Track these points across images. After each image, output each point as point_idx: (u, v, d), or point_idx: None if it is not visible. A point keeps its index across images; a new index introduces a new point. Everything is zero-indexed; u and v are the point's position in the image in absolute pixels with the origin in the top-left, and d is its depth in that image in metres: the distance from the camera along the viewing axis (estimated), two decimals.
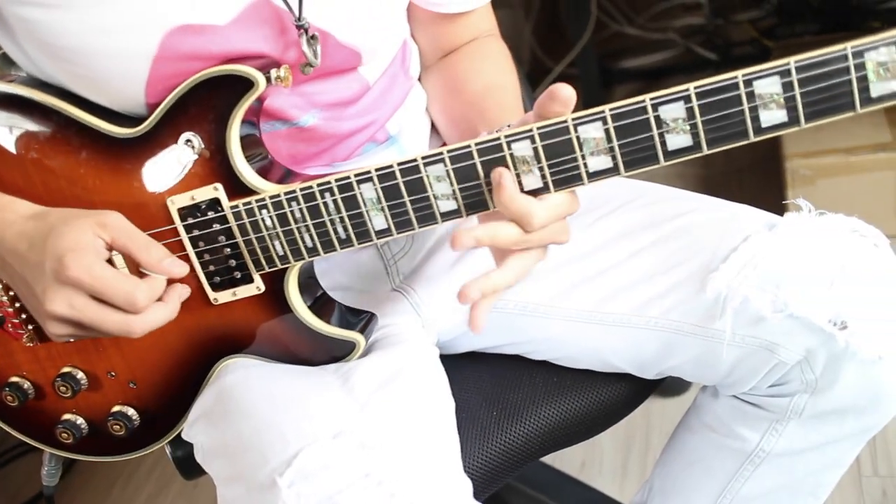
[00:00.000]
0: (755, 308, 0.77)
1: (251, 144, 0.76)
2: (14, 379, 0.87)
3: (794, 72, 0.62)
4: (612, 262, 0.86)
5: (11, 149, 0.78)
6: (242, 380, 0.78)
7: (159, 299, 0.73)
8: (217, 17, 0.72)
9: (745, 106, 0.63)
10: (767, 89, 0.62)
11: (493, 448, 0.87)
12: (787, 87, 0.62)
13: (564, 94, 0.64)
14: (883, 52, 0.60)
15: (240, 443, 0.74)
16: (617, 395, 0.91)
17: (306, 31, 0.74)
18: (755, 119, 0.63)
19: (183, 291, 0.76)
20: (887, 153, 1.64)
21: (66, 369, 0.85)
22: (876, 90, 0.61)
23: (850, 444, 0.85)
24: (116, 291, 0.70)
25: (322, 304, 0.81)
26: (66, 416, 0.87)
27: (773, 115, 0.63)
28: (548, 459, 1.41)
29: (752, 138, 0.64)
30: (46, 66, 0.76)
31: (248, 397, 0.76)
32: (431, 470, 0.71)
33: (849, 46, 0.60)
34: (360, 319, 0.81)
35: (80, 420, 0.87)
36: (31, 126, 0.78)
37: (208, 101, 0.73)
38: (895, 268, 0.78)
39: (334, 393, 0.74)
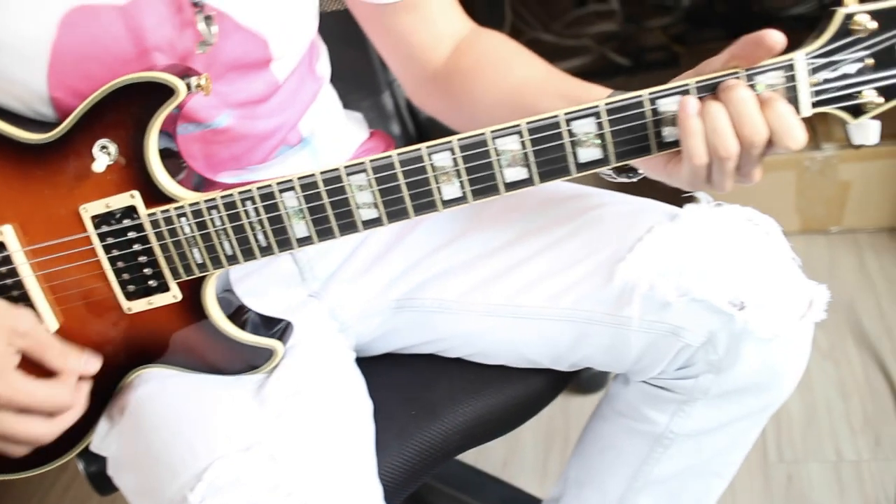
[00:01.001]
0: (660, 294, 0.80)
1: (169, 151, 0.74)
2: None
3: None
4: (523, 257, 0.88)
5: None
6: (155, 391, 0.77)
7: None
8: None
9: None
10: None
11: (412, 447, 0.88)
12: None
13: (775, 39, 0.63)
14: (771, 76, 0.65)
15: (150, 456, 0.73)
16: (532, 389, 0.93)
17: (201, 8, 0.72)
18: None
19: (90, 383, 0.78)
20: (788, 153, 1.64)
21: None
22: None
23: (751, 423, 0.91)
24: (45, 402, 0.74)
25: (238, 312, 0.80)
26: None
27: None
28: (470, 459, 1.44)
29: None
30: None
31: (160, 410, 0.75)
32: (341, 478, 0.72)
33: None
34: (276, 327, 0.80)
35: None
36: None
37: (126, 108, 0.71)
38: (785, 253, 0.84)
39: (246, 404, 0.74)
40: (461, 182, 0.70)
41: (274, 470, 0.68)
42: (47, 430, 0.74)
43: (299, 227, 0.72)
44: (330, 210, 0.72)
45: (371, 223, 0.72)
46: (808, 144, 1.08)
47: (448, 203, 0.71)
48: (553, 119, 0.68)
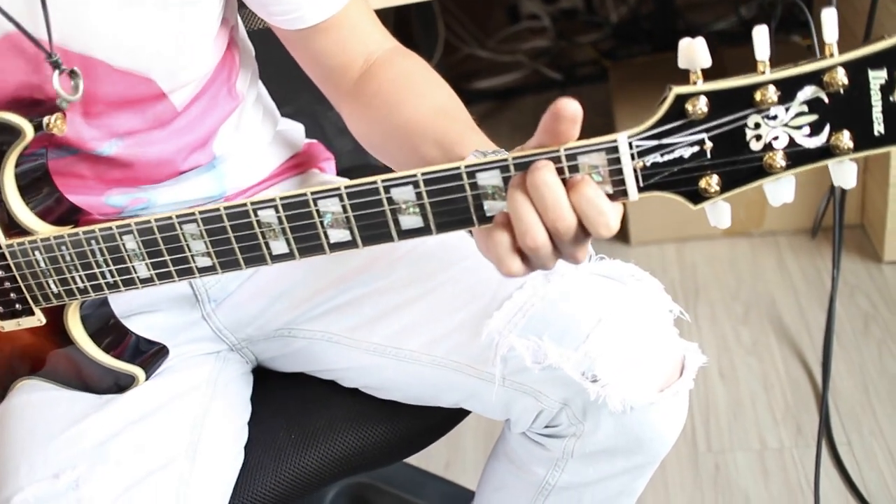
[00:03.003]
0: (519, 357, 0.76)
1: (35, 182, 0.74)
2: None
3: (511, 167, 0.59)
4: (407, 298, 0.85)
5: None
6: (20, 404, 0.78)
7: None
8: None
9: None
10: (491, 181, 0.60)
11: (286, 471, 0.87)
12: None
13: (571, 110, 0.55)
14: (594, 157, 0.57)
15: None
16: (412, 428, 0.91)
17: (59, 65, 0.70)
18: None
19: None
20: None
21: None
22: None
23: (630, 478, 0.86)
24: None
25: (110, 332, 0.80)
26: None
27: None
28: (412, 460, 1.41)
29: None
30: None
31: (13, 425, 0.76)
32: None
33: (562, 149, 0.57)
34: (147, 352, 0.79)
35: None
36: None
37: None
38: (661, 315, 0.78)
39: (79, 427, 0.73)
40: (287, 239, 0.66)
41: (73, 499, 0.67)
42: None
43: (141, 269, 0.71)
44: (167, 255, 0.70)
45: (206, 270, 0.70)
46: None
47: (276, 258, 0.67)
48: (372, 185, 0.62)
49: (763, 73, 0.55)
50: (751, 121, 0.56)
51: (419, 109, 0.78)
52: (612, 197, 0.59)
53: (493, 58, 2.53)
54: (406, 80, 0.82)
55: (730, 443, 1.45)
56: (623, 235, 1.91)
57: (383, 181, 0.62)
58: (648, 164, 0.58)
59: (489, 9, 2.60)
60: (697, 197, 0.59)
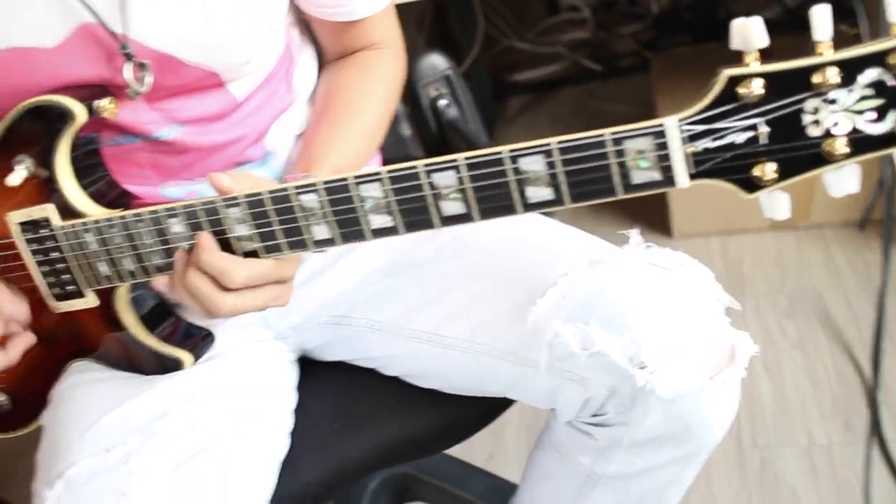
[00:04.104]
0: (565, 344, 0.73)
1: (89, 166, 0.73)
2: None
3: (556, 153, 0.56)
4: (450, 287, 0.83)
5: None
6: (73, 384, 0.78)
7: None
8: (44, 41, 0.69)
9: (511, 177, 0.58)
10: (532, 167, 0.57)
11: (330, 459, 0.85)
12: (551, 166, 0.56)
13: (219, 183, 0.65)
14: (641, 142, 0.54)
15: (45, 445, 0.73)
16: (454, 418, 0.89)
17: (131, 57, 0.70)
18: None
19: (28, 339, 0.77)
20: None
21: None
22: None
23: (679, 468, 0.82)
24: None
25: (159, 316, 0.79)
26: None
27: (539, 192, 0.57)
28: (455, 451, 1.39)
29: (520, 212, 0.59)
30: None
31: (67, 403, 0.76)
32: (199, 490, 0.69)
33: (608, 133, 0.54)
34: (195, 337, 0.79)
35: None
36: None
37: (38, 128, 0.71)
38: (709, 302, 0.75)
39: (130, 405, 0.72)
40: (328, 224, 0.64)
41: (124, 472, 0.66)
42: None
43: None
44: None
45: (249, 255, 0.68)
46: None
47: (318, 243, 0.66)
48: (413, 170, 0.60)
49: (821, 54, 0.51)
50: (809, 105, 0.52)
51: (319, 125, 0.83)
52: (660, 184, 0.56)
53: (532, 50, 2.46)
54: (340, 94, 0.86)
55: (776, 438, 1.40)
56: (665, 227, 1.86)
57: (425, 166, 0.60)
58: (699, 149, 0.54)
59: (528, 0, 2.54)
60: (751, 185, 0.55)
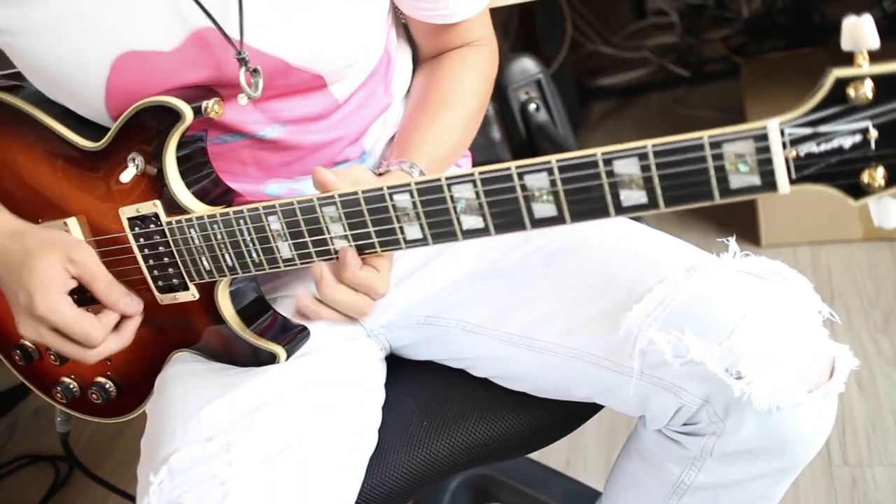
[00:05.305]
0: (658, 351, 0.71)
1: (195, 164, 0.75)
2: (22, 341, 0.91)
3: (651, 155, 0.54)
4: (540, 289, 0.81)
5: (1, 152, 0.80)
6: (175, 374, 0.80)
7: (117, 326, 0.77)
8: (161, 45, 0.71)
9: (605, 179, 0.56)
10: (626, 170, 0.55)
11: (418, 457, 0.84)
12: (645, 169, 0.54)
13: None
14: (740, 145, 0.52)
15: (149, 434, 0.74)
16: (546, 419, 0.86)
17: (246, 63, 0.71)
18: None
19: (137, 321, 0.79)
20: None
21: None
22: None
23: (771, 482, 0.78)
24: (76, 331, 0.74)
25: (256, 311, 0.80)
26: (64, 379, 0.91)
27: (632, 195, 0.56)
28: (533, 455, 1.37)
29: (613, 215, 0.57)
30: (30, 80, 0.77)
31: (170, 393, 0.77)
32: (296, 481, 0.69)
33: (706, 136, 0.52)
34: (290, 332, 0.79)
35: (73, 385, 0.90)
36: (21, 133, 0.80)
37: (148, 127, 0.73)
38: (810, 314, 0.71)
39: (231, 396, 0.73)
40: (420, 224, 0.64)
41: (224, 461, 0.67)
42: (79, 355, 0.74)
43: (284, 249, 0.71)
44: (307, 236, 0.69)
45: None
46: None
47: (410, 243, 0.65)
48: (506, 171, 0.59)
49: None
50: None
51: (415, 114, 0.85)
52: (759, 189, 0.53)
53: (617, 54, 2.43)
54: (451, 85, 0.87)
55: (868, 457, 1.32)
56: (754, 237, 1.79)
57: (517, 168, 0.59)
58: (802, 153, 0.51)
59: (614, 5, 2.50)
60: (859, 191, 0.52)
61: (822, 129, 0.51)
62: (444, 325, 0.86)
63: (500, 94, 1.19)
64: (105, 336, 0.75)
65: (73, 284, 0.75)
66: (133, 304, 0.77)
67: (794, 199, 1.45)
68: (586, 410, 0.88)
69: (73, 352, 0.75)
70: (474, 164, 1.02)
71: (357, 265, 0.69)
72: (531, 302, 0.81)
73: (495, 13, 0.91)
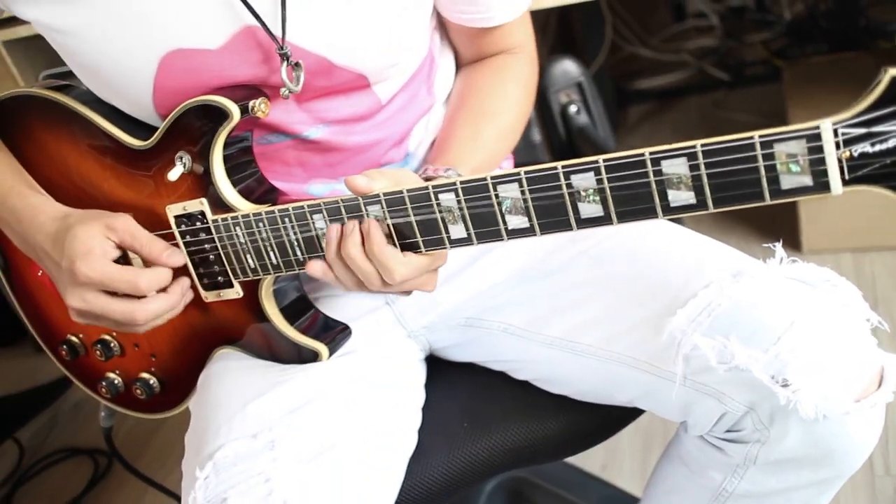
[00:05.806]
0: (703, 357, 0.70)
1: (241, 163, 0.76)
2: (69, 336, 0.93)
3: (700, 155, 0.53)
4: (586, 293, 0.81)
5: (52, 149, 0.82)
6: (218, 371, 0.80)
7: (164, 290, 0.76)
8: (208, 42, 0.72)
9: (652, 178, 0.56)
10: (675, 170, 0.54)
11: (458, 458, 0.84)
12: (694, 168, 0.54)
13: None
14: (792, 145, 0.51)
15: (194, 429, 0.75)
16: (579, 425, 0.86)
17: (288, 58, 0.72)
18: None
19: (185, 283, 0.78)
20: None
21: (103, 336, 0.90)
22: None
23: (815, 492, 0.77)
24: (120, 281, 0.74)
25: (299, 309, 0.81)
26: (109, 375, 0.92)
27: (680, 196, 0.55)
28: (570, 459, 1.36)
29: (661, 216, 0.57)
30: (80, 79, 0.78)
31: (214, 389, 0.78)
32: (338, 479, 0.69)
33: (756, 135, 0.51)
34: (332, 330, 0.80)
35: (117, 380, 0.92)
36: (71, 132, 0.81)
37: (195, 126, 0.74)
38: (858, 323, 0.70)
39: (276, 393, 0.73)
40: (465, 224, 0.64)
41: (269, 458, 0.68)
42: (128, 316, 0.73)
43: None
44: None
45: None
46: None
47: (455, 242, 0.65)
48: (553, 170, 0.59)
49: None
50: None
51: (455, 126, 0.84)
52: (811, 189, 0.52)
53: (656, 57, 2.40)
54: (491, 95, 0.86)
55: None
56: (794, 242, 1.76)
57: (563, 167, 0.59)
58: (856, 154, 0.51)
59: (654, 7, 2.47)
60: None
61: (877, 128, 0.50)
62: (487, 327, 0.86)
63: (541, 96, 1.19)
64: (151, 286, 0.73)
65: (116, 253, 0.74)
66: (176, 255, 0.75)
67: (837, 204, 1.42)
68: (627, 415, 0.87)
69: (122, 312, 0.73)
70: (515, 167, 1.02)
71: (382, 240, 0.66)
72: (575, 306, 0.81)
73: (534, 16, 0.91)
